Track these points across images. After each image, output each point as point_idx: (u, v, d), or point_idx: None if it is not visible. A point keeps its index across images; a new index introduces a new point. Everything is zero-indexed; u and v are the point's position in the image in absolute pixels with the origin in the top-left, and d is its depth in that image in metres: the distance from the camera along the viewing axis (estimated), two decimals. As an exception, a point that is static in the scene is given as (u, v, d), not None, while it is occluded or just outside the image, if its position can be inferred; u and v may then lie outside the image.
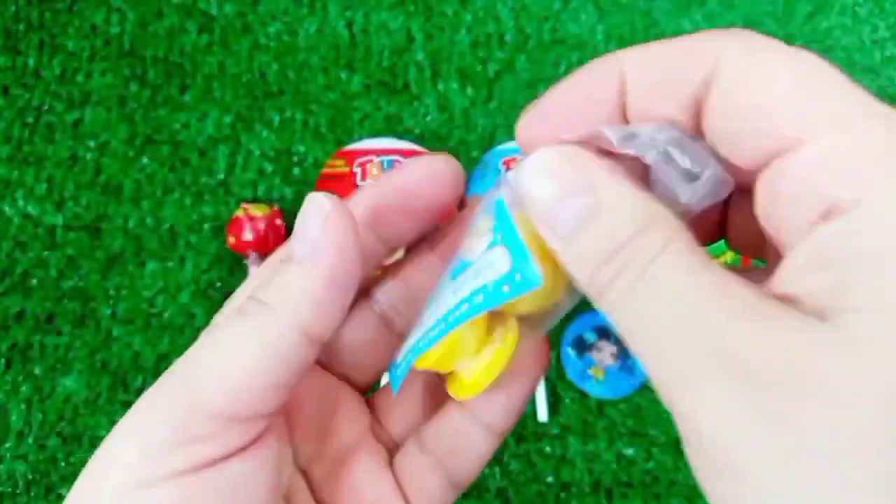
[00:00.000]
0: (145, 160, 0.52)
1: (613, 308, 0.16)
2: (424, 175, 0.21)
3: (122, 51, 0.54)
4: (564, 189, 0.17)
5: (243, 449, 0.18)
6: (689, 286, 0.15)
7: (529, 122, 0.19)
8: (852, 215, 0.14)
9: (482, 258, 0.18)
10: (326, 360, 0.22)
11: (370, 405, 0.23)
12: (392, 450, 0.23)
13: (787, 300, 0.15)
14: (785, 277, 0.15)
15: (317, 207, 0.18)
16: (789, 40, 0.52)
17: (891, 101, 0.55)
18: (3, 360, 0.48)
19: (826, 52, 0.56)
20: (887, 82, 0.55)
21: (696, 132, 0.17)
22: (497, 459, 0.47)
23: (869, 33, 0.56)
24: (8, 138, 0.52)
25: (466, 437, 0.22)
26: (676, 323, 0.15)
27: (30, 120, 0.53)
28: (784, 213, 0.15)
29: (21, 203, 0.51)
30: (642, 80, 0.17)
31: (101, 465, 0.18)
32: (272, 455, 0.19)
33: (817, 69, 0.15)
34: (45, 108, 0.53)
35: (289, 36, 0.55)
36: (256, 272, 0.21)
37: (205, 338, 0.19)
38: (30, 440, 0.47)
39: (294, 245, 0.19)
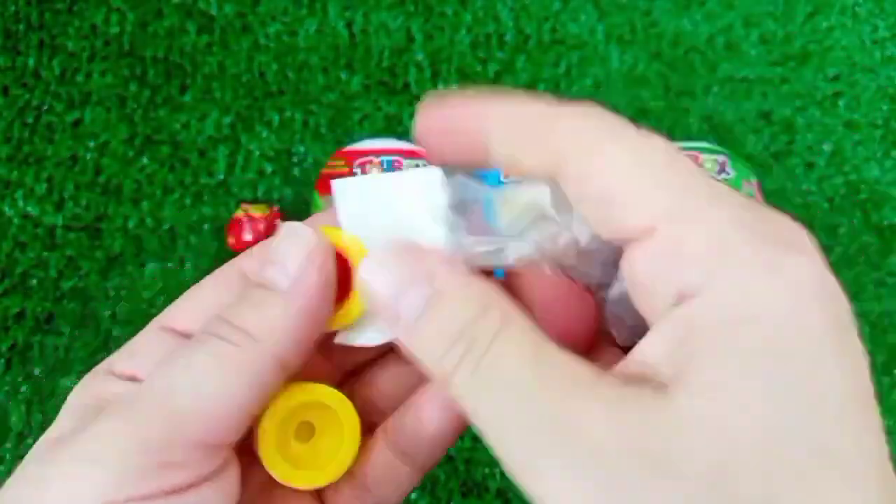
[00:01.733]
0: (145, 160, 0.52)
1: (459, 395, 0.16)
2: None
3: (122, 51, 0.54)
4: (403, 281, 0.17)
5: (209, 476, 0.18)
6: (524, 368, 0.15)
7: (426, 121, 0.19)
8: (695, 300, 0.15)
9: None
10: None
11: None
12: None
13: (635, 377, 0.15)
14: (637, 355, 0.16)
15: (300, 240, 0.19)
16: (789, 40, 0.51)
17: (890, 100, 0.55)
18: (3, 361, 0.48)
19: (826, 52, 0.56)
20: (887, 82, 0.55)
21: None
22: (497, 460, 0.47)
23: (869, 33, 0.56)
24: (8, 138, 0.52)
25: (396, 472, 0.22)
26: (516, 406, 0.15)
27: (30, 120, 0.53)
28: (642, 297, 0.16)
29: (21, 203, 0.51)
30: (507, 137, 0.18)
31: (69, 482, 0.17)
32: (234, 481, 0.19)
33: (662, 158, 0.16)
34: (45, 108, 0.53)
35: (289, 36, 0.55)
36: (214, 278, 0.21)
37: (178, 360, 0.18)
38: (30, 441, 0.47)
39: (273, 273, 0.19)
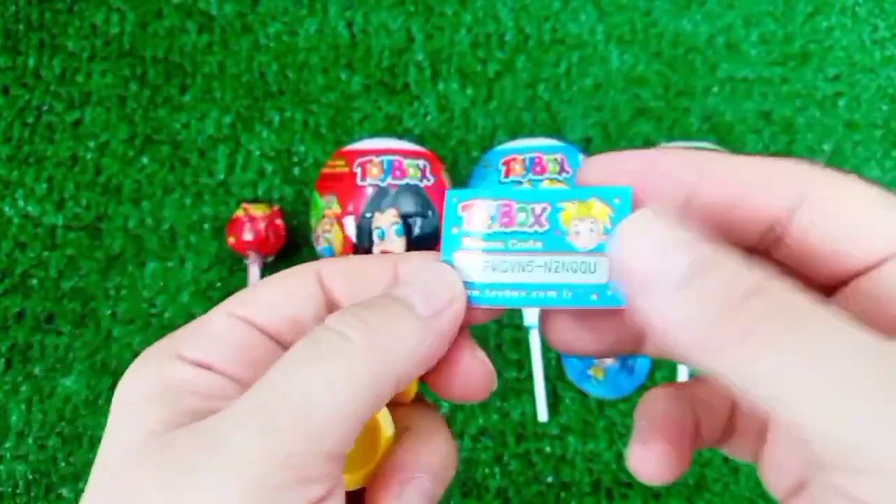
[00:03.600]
0: (145, 160, 0.52)
1: (750, 363, 0.15)
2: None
3: (122, 51, 0.54)
4: (666, 243, 0.16)
5: (337, 485, 0.17)
6: (827, 323, 0.14)
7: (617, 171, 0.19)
8: None
9: (587, 256, 0.19)
10: None
11: None
12: None
13: None
14: None
15: (445, 279, 0.19)
16: (789, 40, 0.51)
17: (890, 100, 0.55)
18: (3, 360, 0.48)
19: (826, 52, 0.56)
20: (887, 82, 0.55)
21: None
22: (497, 459, 0.47)
23: (869, 33, 0.56)
24: (8, 138, 0.52)
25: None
26: (849, 384, 0.14)
27: (30, 120, 0.53)
28: (888, 309, 0.17)
29: (21, 203, 0.51)
30: (729, 178, 0.19)
31: (205, 496, 0.16)
32: (343, 488, 0.18)
33: (885, 194, 0.17)
34: (45, 108, 0.53)
35: (289, 36, 0.55)
36: (286, 277, 0.21)
37: (310, 362, 0.17)
38: (30, 440, 0.47)
39: (412, 295, 0.19)
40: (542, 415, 0.48)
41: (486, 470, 0.47)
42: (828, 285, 0.18)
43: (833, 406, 0.14)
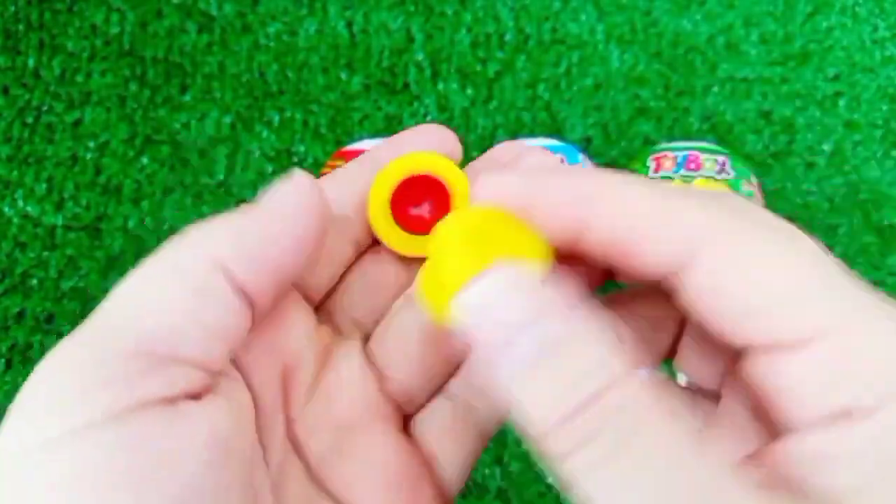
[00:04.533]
0: (145, 160, 0.52)
1: (579, 478, 0.14)
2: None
3: (122, 51, 0.54)
4: (513, 323, 0.14)
5: (169, 400, 0.15)
6: (688, 471, 0.13)
7: (493, 192, 0.17)
8: (872, 421, 0.14)
9: None
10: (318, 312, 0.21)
11: (369, 357, 0.21)
12: (404, 408, 0.21)
13: (780, 484, 0.15)
14: (790, 464, 0.15)
15: (293, 182, 0.17)
16: (789, 40, 0.51)
17: (890, 100, 0.55)
18: (3, 361, 0.48)
19: (826, 52, 0.56)
20: (887, 82, 0.55)
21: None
22: (497, 459, 0.47)
23: (869, 33, 0.56)
24: (8, 138, 0.52)
25: None
26: None
27: (30, 120, 0.53)
28: (790, 402, 0.15)
29: (21, 203, 0.51)
30: (616, 226, 0.16)
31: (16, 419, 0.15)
32: (211, 417, 0.16)
33: (808, 256, 0.15)
34: (45, 108, 0.53)
35: (289, 36, 0.55)
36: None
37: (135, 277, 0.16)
38: (30, 440, 0.47)
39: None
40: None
41: (486, 470, 0.47)
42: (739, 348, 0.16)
43: None
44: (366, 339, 0.21)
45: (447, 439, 0.20)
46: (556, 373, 0.14)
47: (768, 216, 0.16)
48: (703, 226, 0.15)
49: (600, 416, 0.13)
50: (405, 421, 0.21)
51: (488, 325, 0.14)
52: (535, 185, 0.16)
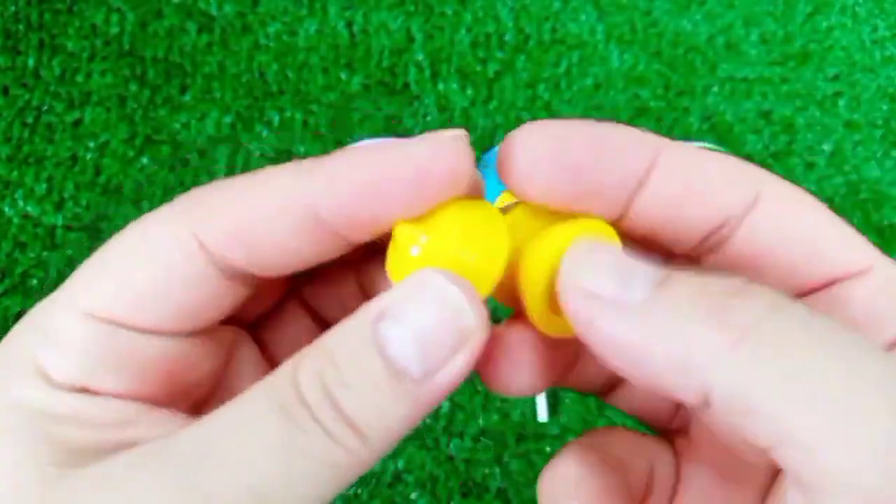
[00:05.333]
0: (145, 160, 0.52)
1: (749, 372, 0.12)
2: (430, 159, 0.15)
3: (122, 51, 0.54)
4: (625, 266, 0.14)
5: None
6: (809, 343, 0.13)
7: (535, 150, 0.15)
8: None
9: None
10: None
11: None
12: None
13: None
14: None
15: (452, 317, 0.14)
16: (789, 40, 0.51)
17: (890, 100, 0.55)
18: (3, 361, 0.48)
19: (826, 52, 0.56)
20: (887, 82, 0.55)
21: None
22: (497, 459, 0.47)
23: (869, 33, 0.56)
24: (8, 138, 0.52)
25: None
26: (806, 387, 0.12)
27: (30, 120, 0.53)
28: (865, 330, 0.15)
29: (21, 203, 0.51)
30: (680, 174, 0.16)
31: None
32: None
33: (834, 216, 0.16)
34: (45, 108, 0.53)
35: (289, 36, 0.55)
36: (126, 242, 0.16)
37: (266, 455, 0.13)
38: (30, 440, 0.47)
39: (405, 355, 0.13)
40: (542, 415, 0.48)
41: (486, 470, 0.47)
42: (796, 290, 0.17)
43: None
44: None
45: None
46: (682, 290, 0.13)
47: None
48: (763, 179, 0.16)
49: (755, 302, 0.13)
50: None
51: (601, 271, 0.14)
52: (597, 133, 0.15)
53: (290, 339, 0.19)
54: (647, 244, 0.17)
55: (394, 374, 0.13)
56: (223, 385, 0.17)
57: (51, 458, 0.13)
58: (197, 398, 0.17)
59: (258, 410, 0.13)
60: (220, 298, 0.15)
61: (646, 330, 0.13)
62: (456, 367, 0.13)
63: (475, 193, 0.16)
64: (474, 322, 0.14)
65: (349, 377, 0.13)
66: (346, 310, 0.14)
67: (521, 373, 0.16)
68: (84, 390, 0.14)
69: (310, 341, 0.15)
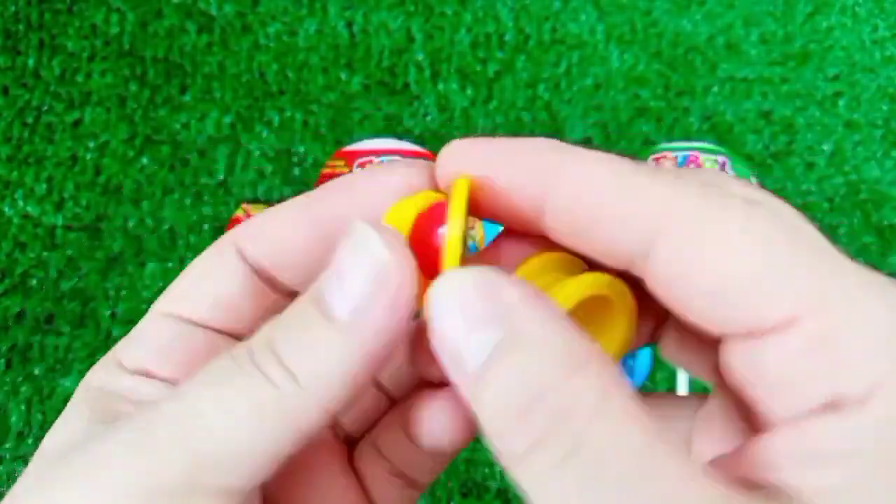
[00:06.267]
0: (145, 160, 0.52)
1: (528, 484, 0.13)
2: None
3: (122, 51, 0.54)
4: (472, 319, 0.14)
5: None
6: (628, 470, 0.12)
7: (452, 164, 0.17)
8: (863, 413, 0.13)
9: None
10: None
11: None
12: (349, 444, 0.20)
13: (758, 484, 0.13)
14: (769, 463, 0.13)
15: (368, 255, 0.14)
16: (789, 40, 0.51)
17: (890, 100, 0.55)
18: (3, 361, 0.48)
19: (826, 52, 0.56)
20: (887, 82, 0.55)
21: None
22: (497, 459, 0.47)
23: (869, 33, 0.56)
24: (8, 138, 0.52)
25: (421, 453, 0.19)
26: None
27: (30, 120, 0.53)
28: (768, 394, 0.14)
29: (21, 203, 0.51)
30: (576, 205, 0.15)
31: None
32: None
33: (781, 231, 0.14)
34: (45, 108, 0.53)
35: (289, 36, 0.55)
36: (212, 257, 0.18)
37: (208, 387, 0.15)
38: (30, 441, 0.47)
39: (332, 293, 0.15)
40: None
41: (487, 470, 0.47)
42: (718, 337, 0.15)
43: None
44: None
45: (380, 480, 0.20)
46: (510, 370, 0.13)
47: (746, 190, 0.14)
48: (666, 204, 0.14)
49: (552, 417, 0.13)
50: (349, 453, 0.20)
51: (451, 320, 0.14)
52: (498, 155, 0.16)
53: None
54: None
55: (323, 316, 0.15)
56: None
57: (97, 420, 0.16)
58: None
59: (215, 366, 0.15)
60: (259, 300, 0.18)
61: (473, 399, 0.14)
62: (379, 307, 0.14)
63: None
64: (389, 261, 0.14)
65: (288, 328, 0.15)
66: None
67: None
68: (147, 374, 0.17)
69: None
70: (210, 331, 0.18)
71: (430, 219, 0.17)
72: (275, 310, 0.17)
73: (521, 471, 0.13)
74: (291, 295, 0.18)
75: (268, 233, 0.18)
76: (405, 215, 0.16)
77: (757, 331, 0.13)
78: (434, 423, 0.18)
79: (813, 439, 0.13)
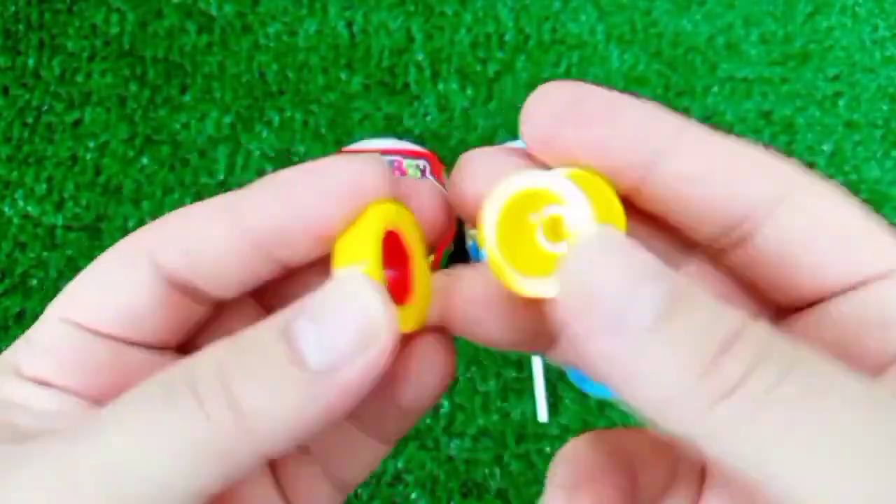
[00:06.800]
0: (145, 160, 0.52)
1: (727, 437, 0.12)
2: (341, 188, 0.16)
3: (122, 51, 0.54)
4: (638, 274, 0.13)
5: None
6: (864, 405, 0.12)
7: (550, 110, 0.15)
8: None
9: None
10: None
11: None
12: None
13: None
14: None
15: (358, 310, 0.14)
16: (789, 40, 0.51)
17: (890, 100, 0.55)
18: (3, 361, 0.48)
19: (826, 52, 0.56)
20: (887, 82, 0.55)
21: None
22: (497, 460, 0.47)
23: (869, 33, 0.56)
24: (8, 138, 0.52)
25: (355, 447, 0.18)
26: (863, 463, 0.12)
27: (30, 120, 0.53)
28: (878, 339, 0.14)
29: (21, 203, 0.51)
30: (699, 162, 0.15)
31: None
32: None
33: (863, 210, 0.15)
34: (45, 108, 0.53)
35: (289, 36, 0.55)
36: (119, 258, 0.17)
37: (136, 415, 0.14)
38: (30, 440, 0.47)
39: (306, 337, 0.13)
40: (543, 415, 0.48)
41: (487, 470, 0.47)
42: (785, 304, 0.15)
43: (839, 486, 0.11)
44: None
45: (305, 495, 0.18)
46: (681, 330, 0.12)
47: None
48: (791, 174, 0.15)
49: (754, 353, 0.12)
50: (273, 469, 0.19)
51: (606, 284, 0.13)
52: (612, 105, 0.15)
53: None
54: (666, 228, 0.16)
55: (293, 361, 0.13)
56: None
57: None
58: None
59: (141, 394, 0.14)
60: (178, 316, 0.16)
61: (637, 362, 0.13)
62: (358, 367, 0.13)
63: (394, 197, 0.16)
64: (383, 324, 0.14)
65: (248, 359, 0.14)
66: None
67: (485, 316, 0.16)
68: (45, 383, 0.16)
69: None
70: (115, 341, 0.16)
71: (388, 249, 0.15)
72: (189, 318, 0.16)
73: (711, 424, 0.12)
74: (211, 303, 0.16)
75: (187, 239, 0.16)
76: (364, 249, 0.15)
77: (874, 275, 0.14)
78: (425, 364, 0.17)
79: None
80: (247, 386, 0.13)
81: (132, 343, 0.16)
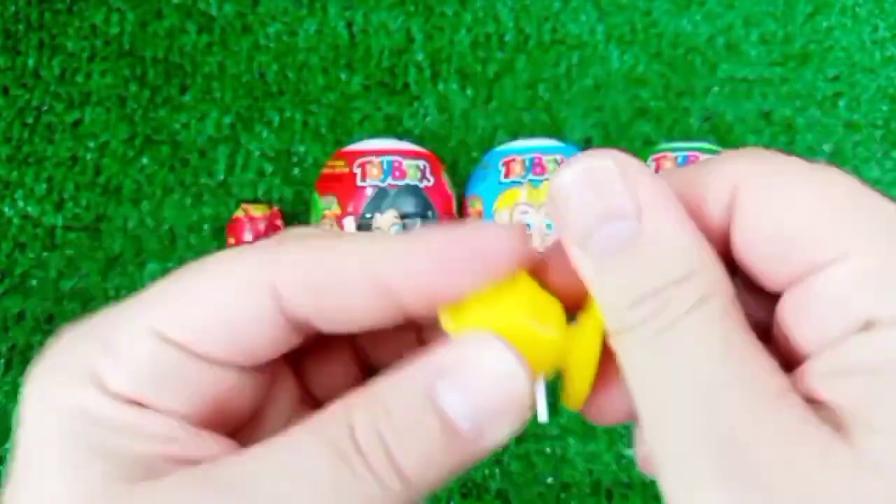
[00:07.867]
0: (145, 160, 0.52)
1: (627, 354, 0.15)
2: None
3: (122, 51, 0.54)
4: (607, 206, 0.15)
5: None
6: (715, 360, 0.14)
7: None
8: (889, 331, 0.14)
9: None
10: None
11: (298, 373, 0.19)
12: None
13: (814, 405, 0.14)
14: (808, 380, 0.15)
15: (504, 375, 0.15)
16: (789, 40, 0.51)
17: (890, 100, 0.55)
18: (3, 361, 0.48)
19: (826, 52, 0.56)
20: (887, 82, 0.55)
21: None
22: (497, 460, 0.47)
23: (869, 33, 0.56)
24: (8, 138, 0.52)
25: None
26: (690, 399, 0.14)
27: (30, 120, 0.53)
28: (813, 326, 0.15)
29: (21, 203, 0.51)
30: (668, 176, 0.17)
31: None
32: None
33: (841, 187, 0.15)
34: (45, 108, 0.53)
35: (289, 36, 0.55)
36: (214, 274, 0.16)
37: (297, 484, 0.14)
38: (30, 440, 0.47)
39: (454, 406, 0.15)
40: (543, 415, 0.48)
41: (486, 471, 0.47)
42: (771, 290, 0.16)
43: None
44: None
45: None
46: (633, 262, 0.15)
47: (802, 160, 0.16)
48: (739, 172, 0.16)
49: (657, 306, 0.14)
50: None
51: (584, 204, 0.15)
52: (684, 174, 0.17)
53: (330, 375, 0.20)
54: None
55: (447, 432, 0.14)
56: (259, 413, 0.18)
57: (110, 469, 0.14)
58: (236, 424, 0.17)
59: (310, 451, 0.14)
60: (281, 342, 0.16)
61: (591, 277, 0.15)
62: (505, 430, 0.15)
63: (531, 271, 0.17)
64: (524, 389, 0.15)
65: (403, 429, 0.14)
66: (391, 352, 0.17)
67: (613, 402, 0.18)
68: (135, 403, 0.15)
69: (348, 379, 0.18)
70: (209, 360, 0.16)
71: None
72: (288, 345, 0.16)
73: (620, 339, 0.15)
74: (309, 330, 0.17)
75: (316, 276, 0.16)
76: (506, 319, 0.16)
77: (810, 270, 0.15)
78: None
79: (842, 355, 0.14)
80: (404, 449, 0.14)
81: (225, 363, 0.16)
